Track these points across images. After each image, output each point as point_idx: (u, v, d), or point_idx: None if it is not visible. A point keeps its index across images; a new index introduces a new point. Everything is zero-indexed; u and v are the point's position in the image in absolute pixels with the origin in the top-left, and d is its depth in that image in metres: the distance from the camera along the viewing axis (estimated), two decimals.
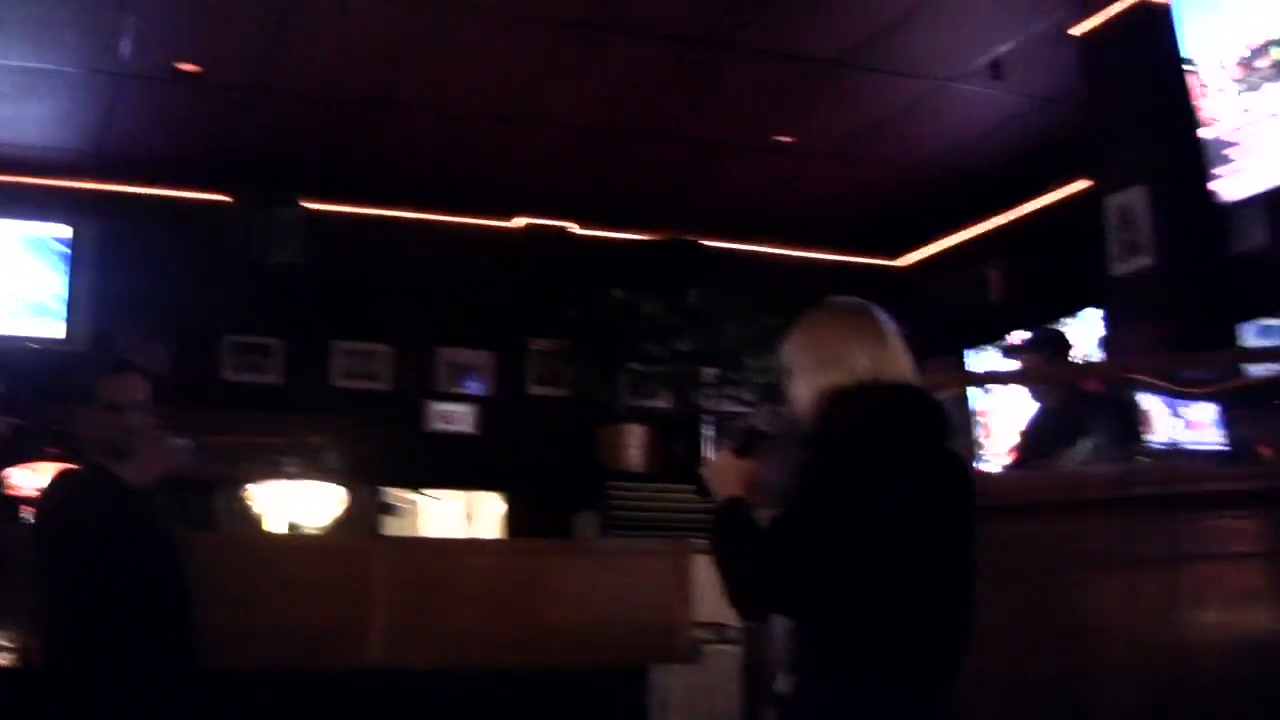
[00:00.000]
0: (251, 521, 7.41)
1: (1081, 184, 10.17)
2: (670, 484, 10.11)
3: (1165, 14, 8.37)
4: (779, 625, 3.40)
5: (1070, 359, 7.54)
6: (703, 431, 11.14)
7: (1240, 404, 6.05)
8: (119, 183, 11.62)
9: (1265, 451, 5.68)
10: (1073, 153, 9.59)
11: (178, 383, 10.57)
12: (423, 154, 11.42)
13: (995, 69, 9.69)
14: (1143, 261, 8.43)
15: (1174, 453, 5.75)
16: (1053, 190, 11.78)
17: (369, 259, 12.22)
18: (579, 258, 12.73)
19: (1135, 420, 6.03)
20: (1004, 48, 9.50)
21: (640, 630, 5.32)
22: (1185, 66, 8.18)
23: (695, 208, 12.36)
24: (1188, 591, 5.34)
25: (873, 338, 3.50)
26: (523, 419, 12.48)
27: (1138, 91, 8.67)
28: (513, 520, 12.10)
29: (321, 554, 7.42)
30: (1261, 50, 7.76)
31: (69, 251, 11.42)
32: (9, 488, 8.49)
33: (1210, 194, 8.08)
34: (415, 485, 11.59)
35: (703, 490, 3.48)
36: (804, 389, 3.48)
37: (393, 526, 8.93)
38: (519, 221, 12.78)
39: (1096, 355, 9.82)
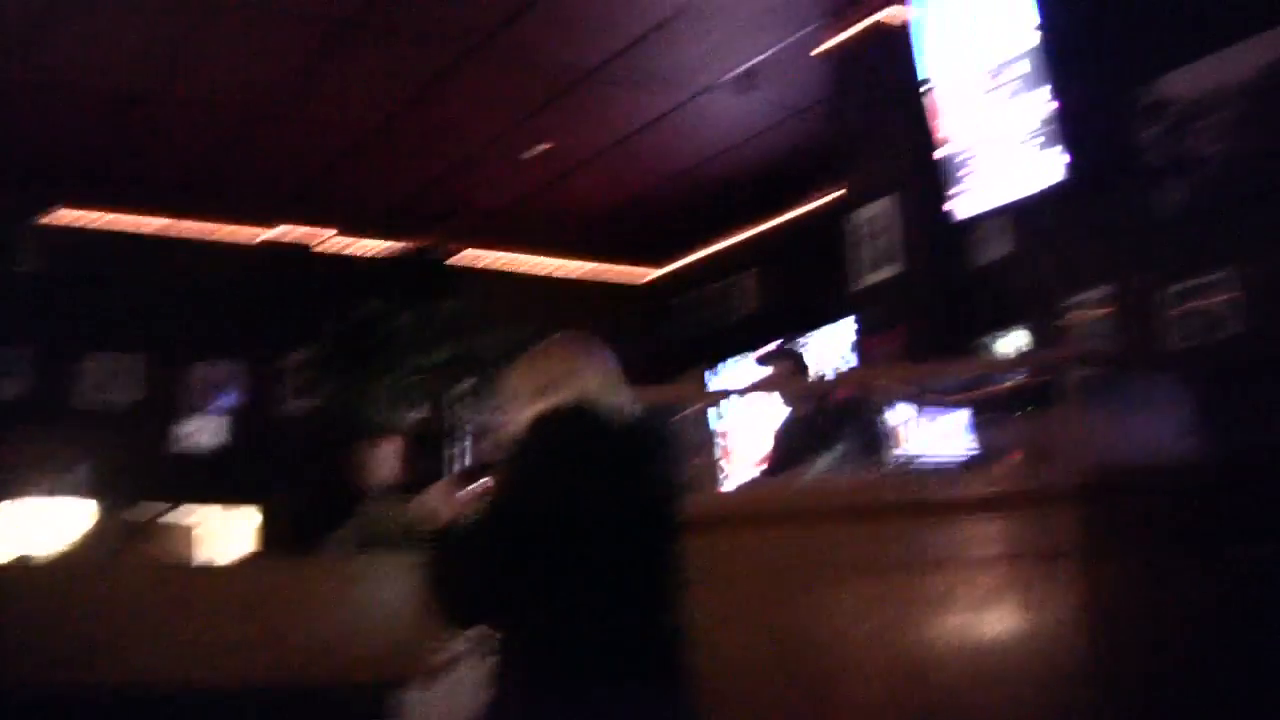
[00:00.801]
0: None
1: (832, 195, 10.33)
2: None
3: (905, 33, 8.54)
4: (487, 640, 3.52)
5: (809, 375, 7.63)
6: (460, 443, 11.06)
7: (987, 411, 6.18)
8: None
9: (1015, 457, 5.80)
10: (824, 164, 9.74)
11: None
12: (176, 160, 11.18)
13: (749, 81, 9.80)
14: (890, 273, 8.59)
15: (924, 460, 5.83)
16: (807, 201, 11.95)
17: (120, 269, 11.89)
18: (336, 268, 12.56)
19: (885, 428, 6.11)
20: (756, 60, 9.61)
21: (385, 647, 5.24)
22: (923, 86, 8.35)
23: (454, 215, 12.28)
24: (932, 596, 5.43)
25: (590, 368, 3.69)
26: (277, 433, 12.26)
27: (881, 107, 8.84)
28: (266, 536, 11.89)
29: (64, 571, 7.23)
30: (996, 72, 7.94)
31: None
32: None
33: (955, 206, 8.26)
34: (166, 501, 11.36)
35: (419, 519, 3.60)
36: (521, 414, 3.62)
37: (147, 544, 8.69)
38: (274, 231, 12.58)
39: (849, 363, 9.97)
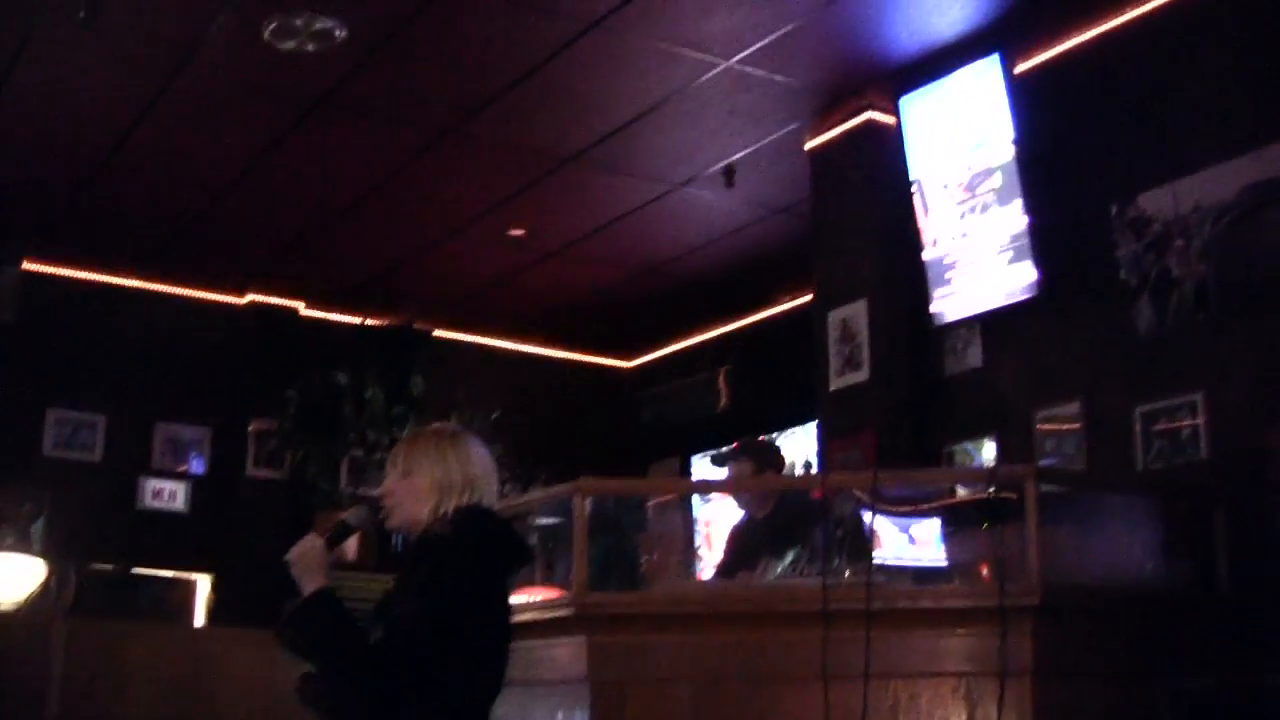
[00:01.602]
0: None
1: (807, 295, 10.32)
2: (381, 574, 9.91)
3: (894, 134, 8.56)
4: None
5: (783, 470, 7.57)
6: None
7: (955, 521, 6.14)
8: None
9: (983, 569, 5.75)
10: (800, 264, 9.72)
11: None
12: (151, 221, 11.11)
13: (728, 176, 9.82)
14: (859, 376, 8.57)
15: (883, 567, 5.78)
16: (780, 300, 11.96)
17: (88, 325, 11.86)
18: (306, 338, 12.52)
19: (845, 533, 6.06)
20: (737, 155, 9.62)
21: None
22: (910, 187, 8.36)
23: (426, 295, 12.24)
24: (880, 708, 5.38)
25: (489, 466, 4.01)
26: (237, 500, 12.17)
27: (863, 207, 8.85)
28: (219, 603, 11.78)
29: (3, 630, 7.17)
30: (982, 176, 7.96)
31: None
32: None
33: (927, 314, 8.26)
34: (123, 562, 11.26)
35: (288, 577, 3.75)
36: (423, 497, 3.89)
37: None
38: (247, 298, 12.53)
39: (815, 466, 9.92)
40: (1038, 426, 7.73)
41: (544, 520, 7.19)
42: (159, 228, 11.27)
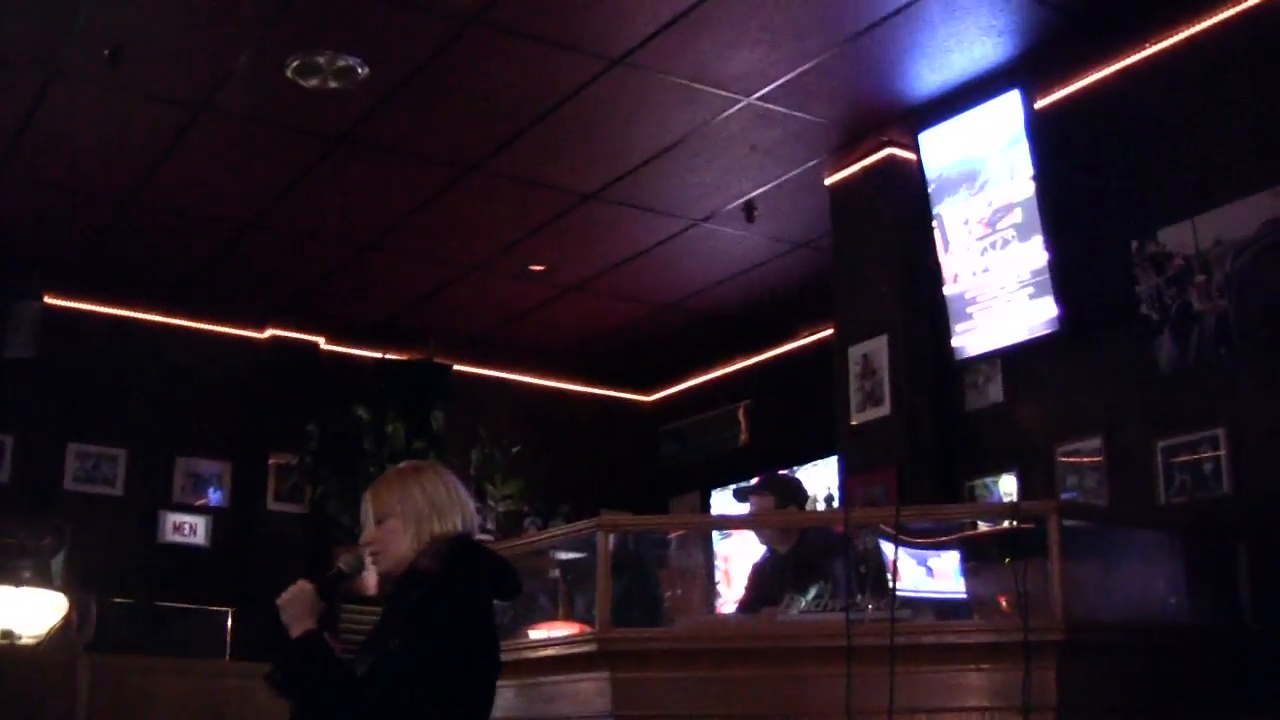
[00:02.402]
0: None
1: (828, 330, 10.33)
2: None
3: (915, 169, 8.58)
4: None
5: (806, 504, 7.55)
6: None
7: (975, 555, 6.14)
8: None
9: (1002, 602, 5.74)
10: (821, 299, 9.74)
11: None
12: (172, 256, 11.17)
13: (749, 212, 9.84)
14: (880, 412, 8.57)
15: (906, 602, 5.76)
16: (801, 335, 11.97)
17: (110, 359, 11.87)
18: (326, 373, 12.52)
19: (872, 568, 6.05)
20: (758, 191, 9.65)
21: None
22: (931, 222, 8.38)
23: (447, 329, 12.28)
24: None
25: (458, 493, 4.02)
26: (258, 534, 12.17)
27: (884, 243, 8.87)
28: (240, 637, 11.77)
29: (26, 666, 7.17)
30: (1002, 212, 7.98)
31: None
32: None
33: (948, 349, 8.27)
34: (143, 596, 11.28)
35: (276, 620, 3.80)
36: (399, 534, 3.91)
37: None
38: (268, 332, 12.56)
39: (836, 499, 9.90)
40: (1059, 461, 7.74)
41: (564, 555, 7.19)
42: (181, 263, 11.34)
